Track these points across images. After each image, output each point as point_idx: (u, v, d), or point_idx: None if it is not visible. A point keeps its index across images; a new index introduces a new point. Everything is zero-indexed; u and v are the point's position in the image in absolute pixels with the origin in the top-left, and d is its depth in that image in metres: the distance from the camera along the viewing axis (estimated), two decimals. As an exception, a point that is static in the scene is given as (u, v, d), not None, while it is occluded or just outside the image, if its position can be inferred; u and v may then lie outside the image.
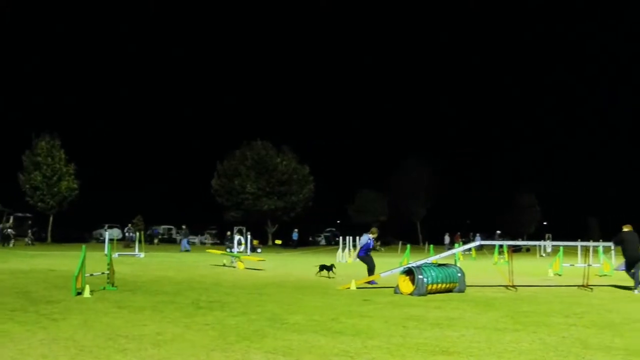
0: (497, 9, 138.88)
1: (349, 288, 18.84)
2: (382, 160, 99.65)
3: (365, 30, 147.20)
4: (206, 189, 75.65)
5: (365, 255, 21.54)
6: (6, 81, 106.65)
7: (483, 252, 49.73)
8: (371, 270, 21.10)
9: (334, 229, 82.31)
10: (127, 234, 58.28)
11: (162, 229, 73.74)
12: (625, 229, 20.20)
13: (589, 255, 25.76)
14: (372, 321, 12.39)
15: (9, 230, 53.28)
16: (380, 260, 39.24)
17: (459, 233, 68.61)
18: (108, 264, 18.00)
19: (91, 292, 15.81)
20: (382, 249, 64.82)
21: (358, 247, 22.24)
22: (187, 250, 50.44)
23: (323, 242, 75.45)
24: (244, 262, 28.96)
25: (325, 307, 14.58)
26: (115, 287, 17.64)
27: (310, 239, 76.67)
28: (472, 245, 25.19)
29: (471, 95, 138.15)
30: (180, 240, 55.94)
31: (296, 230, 66.41)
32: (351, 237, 40.44)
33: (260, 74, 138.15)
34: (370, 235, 21.90)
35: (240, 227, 58.62)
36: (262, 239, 57.37)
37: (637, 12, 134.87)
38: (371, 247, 21.96)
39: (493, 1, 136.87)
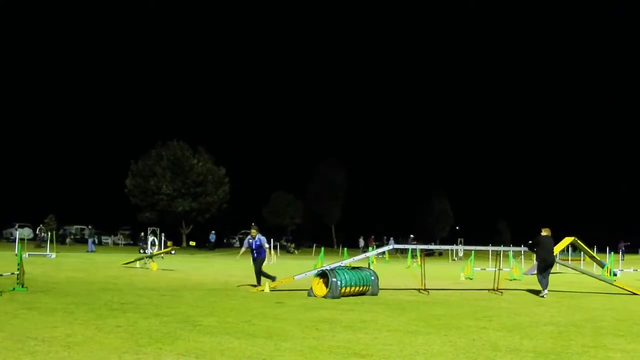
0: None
1: (262, 290, 18.87)
2: (297, 162, 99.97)
3: (273, 28, 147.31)
4: (120, 188, 74.58)
5: (256, 257, 21.15)
6: None
7: (396, 256, 50.34)
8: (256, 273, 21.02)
9: (248, 231, 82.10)
10: (38, 234, 57.06)
11: (74, 228, 72.34)
12: (544, 232, 20.40)
13: (499, 259, 26.36)
14: (286, 323, 12.44)
15: None
16: (295, 262, 39.52)
17: (372, 236, 69.30)
18: (18, 264, 17.63)
19: (0, 292, 15.47)
20: (297, 251, 65.07)
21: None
22: (92, 251, 49.62)
23: (237, 244, 75.23)
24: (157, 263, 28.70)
25: (239, 309, 14.58)
26: (26, 288, 17.28)
27: (225, 240, 76.35)
28: (385, 248, 25.45)
29: (387, 97, 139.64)
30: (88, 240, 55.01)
31: (213, 232, 66.07)
32: (265, 239, 40.34)
33: (178, 72, 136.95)
34: (251, 235, 21.48)
35: (154, 228, 58.08)
36: (176, 241, 56.87)
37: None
38: (253, 249, 21.30)
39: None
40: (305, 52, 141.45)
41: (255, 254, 21.06)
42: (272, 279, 20.50)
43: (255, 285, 20.26)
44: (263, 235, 21.52)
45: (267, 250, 21.38)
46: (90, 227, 54.72)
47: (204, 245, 63.32)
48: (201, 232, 71.49)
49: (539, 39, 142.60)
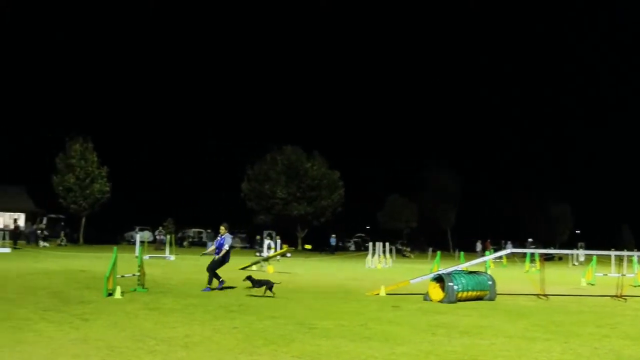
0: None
1: (378, 294, 18.78)
2: (412, 166, 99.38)
3: (387, 34, 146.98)
4: (236, 192, 75.85)
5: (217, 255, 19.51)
6: (39, 84, 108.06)
7: (514, 260, 49.32)
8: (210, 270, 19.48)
9: (363, 235, 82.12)
10: (157, 237, 58.63)
11: (192, 231, 74.03)
12: None
13: (622, 264, 25.46)
14: (401, 328, 12.34)
15: (43, 231, 53.85)
16: (410, 266, 39.24)
17: (489, 240, 68.18)
18: (139, 266, 18.11)
19: (122, 293, 15.92)
20: (412, 255, 64.63)
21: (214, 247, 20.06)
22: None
23: (352, 247, 75.24)
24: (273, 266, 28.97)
25: (354, 312, 14.55)
26: (146, 289, 17.75)
27: (340, 244, 76.56)
28: (503, 252, 24.96)
29: (505, 101, 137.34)
30: (208, 244, 56.01)
31: (333, 235, 66.07)
32: (381, 243, 40.25)
33: (291, 78, 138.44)
34: (220, 233, 19.92)
35: (270, 231, 58.72)
36: (291, 244, 57.35)
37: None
38: (221, 246, 19.53)
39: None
40: (421, 55, 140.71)
41: (217, 252, 19.53)
42: (220, 282, 19.20)
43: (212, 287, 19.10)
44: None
45: (224, 251, 19.75)
46: (209, 230, 55.68)
47: (323, 248, 63.50)
48: (316, 235, 71.84)
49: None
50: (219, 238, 19.80)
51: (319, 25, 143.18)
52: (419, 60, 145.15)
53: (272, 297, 17.17)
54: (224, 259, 19.44)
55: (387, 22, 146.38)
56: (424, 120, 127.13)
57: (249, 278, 17.83)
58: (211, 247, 20.42)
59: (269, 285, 17.50)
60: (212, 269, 19.13)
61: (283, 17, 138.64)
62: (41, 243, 50.20)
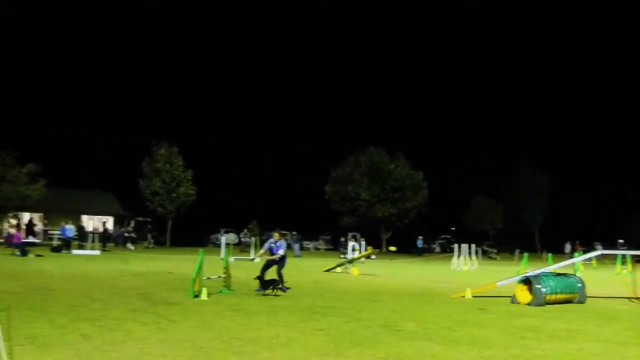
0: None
1: (464, 296, 18.56)
2: (498, 166, 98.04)
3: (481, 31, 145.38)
4: (320, 195, 76.08)
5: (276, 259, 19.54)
6: (125, 93, 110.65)
7: (604, 262, 48.15)
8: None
9: (448, 236, 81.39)
10: (242, 239, 59.20)
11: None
12: None
13: None
14: (488, 331, 12.15)
15: (130, 234, 55.03)
16: (496, 268, 38.68)
17: (577, 242, 66.77)
18: (224, 268, 18.32)
19: (208, 294, 16.12)
20: (498, 257, 63.74)
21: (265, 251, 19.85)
22: (298, 256, 50.69)
23: (438, 249, 74.56)
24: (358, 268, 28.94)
25: (440, 315, 14.40)
26: (232, 290, 17.93)
27: (425, 246, 75.99)
28: (593, 254, 24.36)
29: (593, 97, 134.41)
30: (292, 245, 56.27)
31: (420, 237, 65.57)
32: (467, 245, 39.79)
33: (376, 80, 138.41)
34: (273, 240, 20.35)
35: (355, 233, 58.69)
36: (375, 246, 57.17)
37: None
38: (274, 253, 19.62)
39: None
40: (508, 52, 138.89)
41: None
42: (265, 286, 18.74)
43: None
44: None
45: (279, 255, 19.76)
46: (294, 233, 55.94)
47: (410, 250, 63.12)
48: (401, 237, 71.46)
49: None
50: (274, 245, 19.56)
51: (395, 26, 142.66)
52: (503, 57, 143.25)
53: (279, 295, 17.78)
54: (281, 262, 19.47)
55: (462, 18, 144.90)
56: (510, 119, 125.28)
57: (258, 278, 18.11)
58: (263, 251, 20.28)
59: (275, 284, 18.01)
60: (265, 267, 19.11)
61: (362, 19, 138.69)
62: (129, 245, 51.23)
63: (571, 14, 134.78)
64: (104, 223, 57.75)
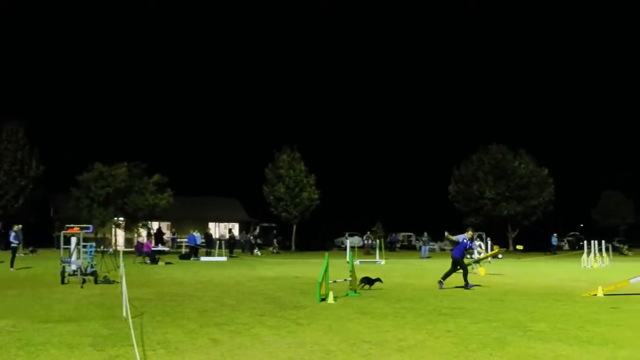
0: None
1: (595, 295, 18.02)
2: (627, 159, 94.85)
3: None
4: (443, 195, 75.46)
5: (460, 257, 20.64)
6: (246, 101, 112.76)
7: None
8: (464, 274, 20.59)
9: (577, 233, 79.26)
10: (366, 242, 59.27)
11: (401, 235, 74.39)
12: None
13: None
14: (622, 330, 11.77)
15: (257, 239, 55.94)
16: (629, 265, 37.39)
17: None
18: (350, 271, 18.37)
19: (335, 298, 16.21)
20: (631, 253, 61.63)
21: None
22: (426, 257, 50.35)
23: (566, 246, 72.66)
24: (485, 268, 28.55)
25: (571, 314, 14.05)
26: (358, 293, 17.99)
27: (560, 243, 74.06)
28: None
29: None
30: (421, 247, 55.95)
31: (555, 234, 64.09)
32: (597, 241, 38.63)
33: (493, 80, 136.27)
34: (466, 236, 20.77)
35: (480, 233, 57.86)
36: (502, 245, 56.14)
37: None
38: (467, 247, 21.14)
39: None
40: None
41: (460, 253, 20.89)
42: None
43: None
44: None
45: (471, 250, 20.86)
46: (425, 234, 55.58)
47: (536, 248, 61.71)
48: (527, 235, 70.02)
49: None
50: (466, 242, 21.02)
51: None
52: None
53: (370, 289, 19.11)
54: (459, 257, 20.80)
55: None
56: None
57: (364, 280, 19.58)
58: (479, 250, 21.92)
59: (370, 282, 19.68)
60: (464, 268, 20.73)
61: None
62: (255, 251, 52.05)
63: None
64: (230, 230, 58.98)
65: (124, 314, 12.49)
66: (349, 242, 38.02)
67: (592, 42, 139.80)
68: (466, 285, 20.03)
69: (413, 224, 77.35)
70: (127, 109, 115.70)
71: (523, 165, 72.10)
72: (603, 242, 40.50)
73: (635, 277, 18.88)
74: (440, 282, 20.45)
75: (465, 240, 20.88)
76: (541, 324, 12.54)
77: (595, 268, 34.87)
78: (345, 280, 18.80)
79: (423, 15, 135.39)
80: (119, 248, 46.51)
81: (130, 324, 10.76)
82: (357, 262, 32.37)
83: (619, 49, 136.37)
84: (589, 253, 37.61)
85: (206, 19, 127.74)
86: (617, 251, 59.48)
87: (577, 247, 63.47)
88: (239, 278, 24.93)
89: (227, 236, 54.48)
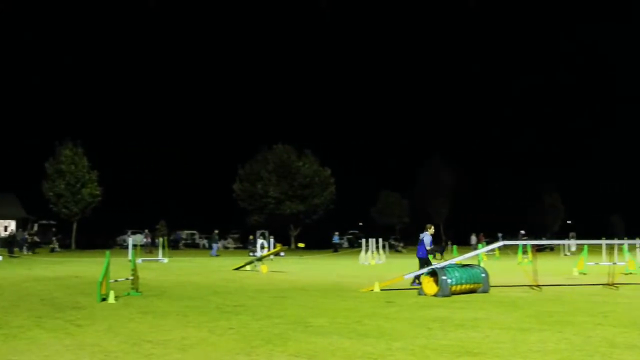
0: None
1: (372, 290, 18.79)
2: (403, 161, 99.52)
3: (371, 31, 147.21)
4: (228, 193, 75.82)
5: (424, 257, 21.02)
6: (28, 89, 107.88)
7: (507, 252, 49.43)
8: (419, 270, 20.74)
9: (356, 231, 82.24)
10: (146, 239, 58.39)
11: (185, 233, 73.98)
12: None
13: (613, 253, 25.54)
14: (396, 323, 12.36)
15: (33, 237, 53.67)
16: (404, 261, 39.26)
17: (481, 233, 68.32)
18: (132, 270, 18.09)
19: (116, 297, 15.89)
20: (405, 250, 64.71)
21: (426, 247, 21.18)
22: (216, 256, 50.29)
23: (346, 244, 75.23)
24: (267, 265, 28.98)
25: (349, 309, 14.56)
26: (140, 292, 17.72)
27: (341, 241, 76.40)
28: (495, 245, 25.03)
29: (494, 95, 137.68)
30: (210, 245, 55.78)
31: (337, 233, 65.96)
32: (374, 239, 40.30)
33: (280, 78, 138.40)
34: (427, 233, 21.49)
35: (263, 231, 58.67)
36: (284, 243, 57.20)
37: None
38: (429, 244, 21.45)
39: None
40: (407, 51, 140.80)
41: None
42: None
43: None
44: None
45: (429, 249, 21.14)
46: (216, 232, 55.45)
47: (318, 246, 63.31)
48: (310, 233, 71.83)
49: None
50: (426, 238, 21.10)
51: (301, 24, 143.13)
52: (405, 54, 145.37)
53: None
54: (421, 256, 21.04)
55: (367, 20, 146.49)
56: (414, 115, 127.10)
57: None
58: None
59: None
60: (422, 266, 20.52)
61: (273, 17, 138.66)
62: (25, 250, 49.58)
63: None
64: (5, 227, 56.16)
65: None
66: (131, 240, 37.41)
67: (360, 40, 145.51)
68: (413, 282, 19.93)
69: (197, 221, 77.18)
70: None
71: (307, 165, 73.85)
72: (380, 240, 42.25)
73: (409, 272, 19.88)
74: (414, 282, 20.33)
75: (425, 238, 21.00)
76: (321, 319, 12.91)
77: (372, 265, 36.27)
78: (127, 279, 18.48)
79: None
80: None
81: None
82: (139, 260, 31.92)
83: (401, 54, 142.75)
84: (366, 250, 39.14)
85: None
86: (393, 248, 62.31)
87: (356, 245, 65.89)
88: (14, 279, 23.82)
89: (4, 234, 51.83)
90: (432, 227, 21.86)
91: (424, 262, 20.56)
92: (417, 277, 19.46)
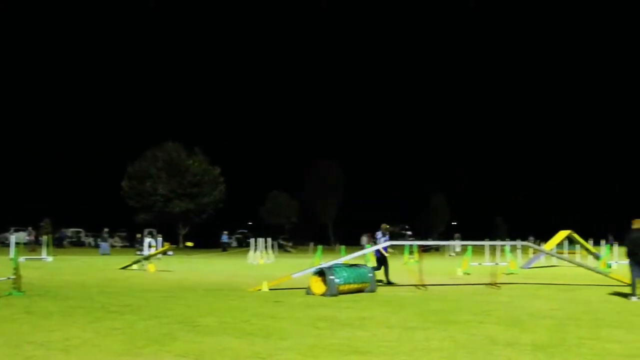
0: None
1: (260, 289, 18.82)
2: (292, 162, 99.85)
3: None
4: (115, 190, 74.42)
5: (380, 255, 21.75)
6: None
7: (393, 252, 50.27)
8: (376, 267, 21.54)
9: (245, 231, 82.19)
10: (29, 237, 56.71)
11: (70, 231, 72.22)
12: (636, 225, 17.00)
13: (496, 254, 26.35)
14: (284, 322, 12.42)
15: None
16: (292, 261, 39.47)
17: (369, 234, 69.28)
18: (14, 269, 17.57)
19: (-4, 297, 15.44)
20: (294, 250, 65.04)
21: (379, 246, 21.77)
22: (106, 254, 49.26)
23: (235, 244, 75.06)
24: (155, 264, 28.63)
25: (238, 309, 14.55)
26: (22, 292, 17.23)
27: (230, 240, 76.18)
28: (380, 245, 25.45)
29: (379, 95, 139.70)
30: (99, 243, 54.60)
31: (225, 232, 65.70)
32: (263, 239, 40.40)
33: (171, 73, 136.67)
34: (381, 231, 21.98)
35: (151, 230, 57.91)
36: (172, 241, 56.61)
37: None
38: (379, 240, 22.12)
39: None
40: (300, 51, 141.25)
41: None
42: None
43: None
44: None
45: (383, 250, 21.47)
46: (106, 230, 54.28)
47: (206, 245, 62.92)
48: (199, 232, 71.39)
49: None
50: (381, 237, 21.92)
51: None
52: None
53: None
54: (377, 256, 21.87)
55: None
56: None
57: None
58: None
59: None
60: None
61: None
62: None
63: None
64: None
65: None
66: (14, 237, 36.31)
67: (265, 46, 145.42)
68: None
69: (83, 220, 75.40)
70: None
71: (196, 163, 73.36)
72: (269, 239, 42.38)
73: (297, 272, 20.01)
74: (389, 282, 20.74)
75: (379, 237, 21.23)
76: (209, 318, 12.87)
77: (261, 264, 36.32)
78: (9, 278, 17.94)
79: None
80: None
81: None
82: (22, 259, 31.01)
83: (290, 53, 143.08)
84: (255, 250, 39.19)
85: None
86: (282, 248, 62.58)
87: (244, 244, 65.79)
88: None
89: None
90: (387, 225, 22.76)
91: (380, 261, 21.60)
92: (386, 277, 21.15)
